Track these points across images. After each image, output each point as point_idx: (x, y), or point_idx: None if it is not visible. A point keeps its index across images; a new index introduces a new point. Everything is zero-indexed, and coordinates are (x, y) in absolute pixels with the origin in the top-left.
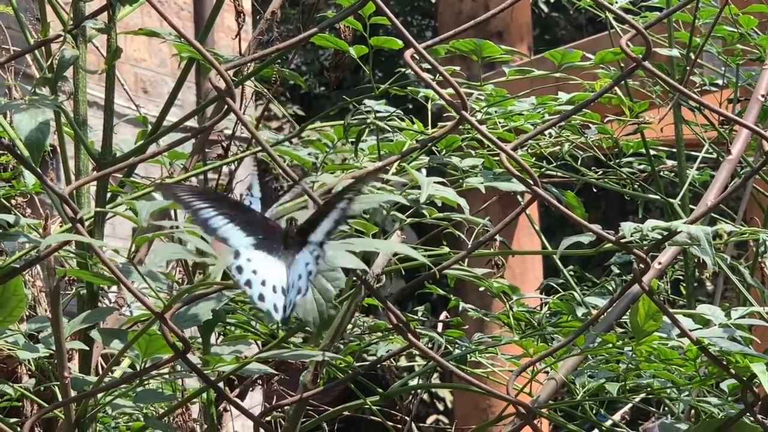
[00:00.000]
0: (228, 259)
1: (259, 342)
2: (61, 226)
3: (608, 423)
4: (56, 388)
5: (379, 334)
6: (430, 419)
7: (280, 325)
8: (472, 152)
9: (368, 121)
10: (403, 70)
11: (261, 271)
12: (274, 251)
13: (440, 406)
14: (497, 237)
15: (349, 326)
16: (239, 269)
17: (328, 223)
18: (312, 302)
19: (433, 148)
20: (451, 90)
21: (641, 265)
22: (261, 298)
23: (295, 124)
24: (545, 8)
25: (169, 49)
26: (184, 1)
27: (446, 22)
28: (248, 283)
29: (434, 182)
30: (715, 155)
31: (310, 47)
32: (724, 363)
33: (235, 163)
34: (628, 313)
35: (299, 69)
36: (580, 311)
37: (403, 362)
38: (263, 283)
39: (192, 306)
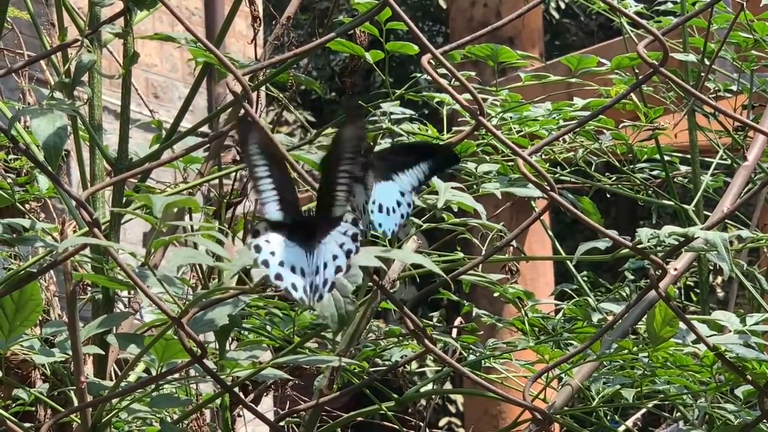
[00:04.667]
0: (243, 261)
1: (272, 347)
2: (75, 231)
3: (621, 429)
4: (71, 392)
5: (394, 339)
6: (443, 421)
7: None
8: (487, 158)
9: (384, 126)
10: (417, 75)
11: (279, 253)
12: (294, 235)
13: (452, 409)
14: (513, 243)
15: (365, 331)
16: (257, 248)
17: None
18: (329, 298)
19: None
20: (467, 95)
21: (658, 271)
22: (278, 277)
23: (310, 129)
24: (556, 14)
25: (180, 54)
26: (195, 6)
27: (458, 28)
28: (265, 262)
29: (451, 188)
30: (729, 161)
31: (321, 52)
32: (741, 369)
33: None
34: (643, 319)
35: (310, 74)
36: (595, 317)
37: (414, 366)
38: (281, 264)
39: (208, 311)
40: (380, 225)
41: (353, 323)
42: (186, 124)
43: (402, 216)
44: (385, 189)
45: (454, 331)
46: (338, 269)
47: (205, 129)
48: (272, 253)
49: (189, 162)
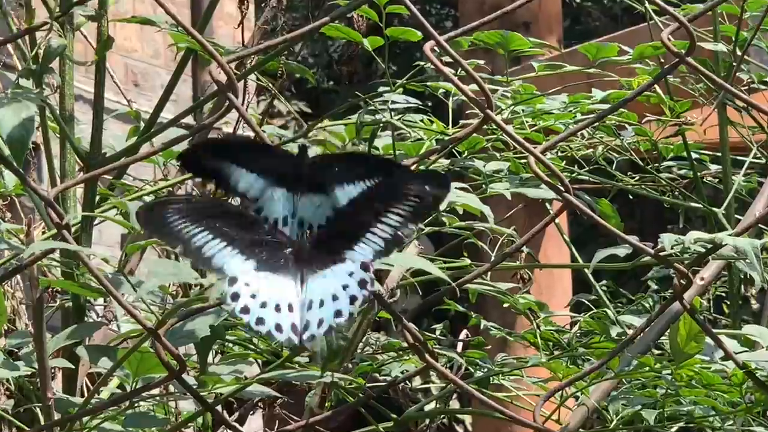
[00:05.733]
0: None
1: (260, 361)
2: (44, 232)
3: None
4: (38, 409)
5: (393, 353)
6: None
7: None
8: (497, 155)
9: (383, 120)
10: (421, 63)
11: (261, 294)
12: (280, 266)
13: (460, 429)
14: (524, 248)
15: (360, 344)
16: (235, 296)
17: (376, 235)
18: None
19: (454, 149)
20: (474, 86)
21: (682, 281)
22: (259, 321)
23: (303, 122)
24: None
25: (163, 39)
26: None
27: (468, 12)
28: (245, 310)
29: (456, 188)
30: (763, 160)
31: (318, 38)
32: None
33: None
34: (666, 334)
35: (306, 62)
36: (614, 331)
37: (417, 383)
38: (264, 305)
39: (188, 321)
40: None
41: (347, 336)
42: (168, 114)
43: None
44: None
45: (460, 345)
46: (338, 314)
47: (188, 120)
48: (253, 296)
49: (170, 157)
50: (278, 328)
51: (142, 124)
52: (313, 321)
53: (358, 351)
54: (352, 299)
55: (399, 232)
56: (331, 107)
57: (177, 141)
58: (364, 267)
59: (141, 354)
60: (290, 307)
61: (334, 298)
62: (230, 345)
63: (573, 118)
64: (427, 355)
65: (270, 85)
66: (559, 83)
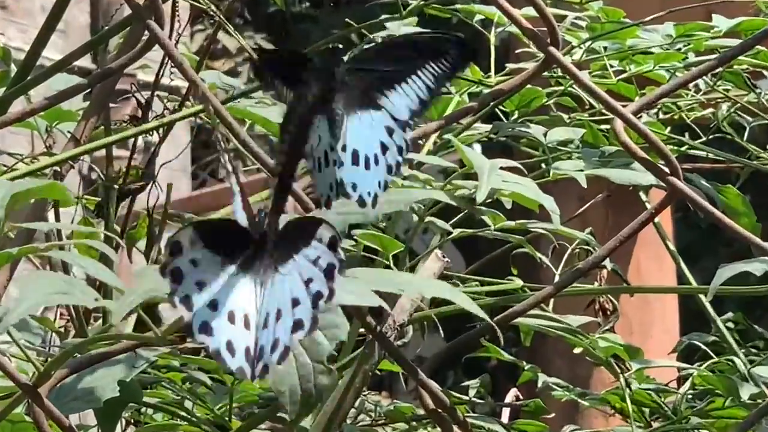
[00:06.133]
0: (145, 291)
1: None
2: None
3: None
4: None
5: (403, 425)
6: None
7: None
8: (564, 117)
9: None
10: None
11: (210, 286)
12: (238, 256)
13: None
14: (606, 263)
15: (352, 410)
16: (177, 273)
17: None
18: (289, 362)
19: (498, 109)
20: (531, 9)
21: None
22: (205, 328)
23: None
24: None
25: None
26: None
27: None
28: (186, 300)
29: (500, 168)
30: None
31: None
32: None
33: (161, 130)
34: None
35: None
36: (745, 391)
37: None
38: (213, 306)
39: (86, 374)
40: (354, 187)
41: (332, 398)
42: (53, 53)
43: (391, 169)
44: (362, 124)
45: (506, 413)
46: (297, 326)
47: (85, 62)
48: (199, 285)
49: (56, 119)
50: (230, 348)
51: (13, 68)
52: (267, 344)
53: (349, 421)
54: (317, 298)
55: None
56: (306, 43)
57: (68, 94)
58: (332, 244)
59: (12, 424)
60: (246, 321)
61: (294, 303)
62: (149, 411)
63: (683, 61)
64: (456, 429)
65: (212, 7)
66: (660, 6)
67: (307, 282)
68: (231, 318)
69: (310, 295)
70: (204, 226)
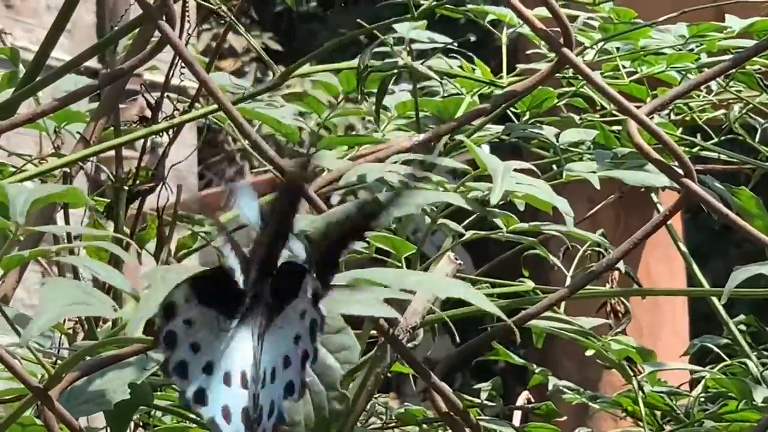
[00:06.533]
0: (155, 297)
1: None
2: None
3: None
4: None
5: (413, 428)
6: None
7: None
8: (575, 118)
9: (399, 64)
10: None
11: (205, 347)
12: (237, 312)
13: None
14: (620, 265)
15: (363, 413)
16: (171, 339)
17: (331, 255)
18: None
19: (509, 110)
20: (542, 10)
21: None
22: (200, 397)
23: (273, 66)
24: None
25: None
26: None
27: None
28: (182, 367)
29: (515, 170)
30: None
31: None
32: None
33: (171, 131)
34: None
35: None
36: (759, 394)
37: None
38: (208, 368)
39: (96, 377)
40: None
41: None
42: (59, 52)
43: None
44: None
45: (518, 415)
46: (288, 390)
47: (91, 62)
48: (193, 347)
49: (65, 120)
50: (225, 413)
51: (22, 69)
52: (266, 406)
53: (360, 423)
54: (304, 358)
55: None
56: (313, 43)
57: (79, 95)
58: (315, 295)
59: (23, 428)
60: (244, 380)
61: (286, 363)
62: (159, 414)
63: (695, 62)
64: (468, 431)
65: (222, 6)
66: (672, 7)
67: (296, 339)
68: (227, 380)
69: (298, 355)
70: (198, 281)
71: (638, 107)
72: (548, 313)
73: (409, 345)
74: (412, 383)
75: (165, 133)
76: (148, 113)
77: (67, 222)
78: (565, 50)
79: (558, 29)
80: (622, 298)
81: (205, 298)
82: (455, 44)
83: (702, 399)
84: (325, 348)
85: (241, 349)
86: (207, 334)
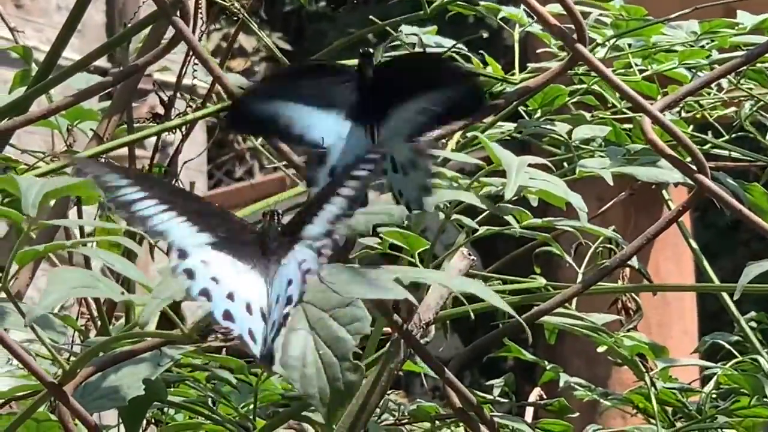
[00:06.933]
0: (168, 288)
1: None
2: None
3: None
4: None
5: (425, 424)
6: None
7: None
8: (585, 115)
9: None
10: None
11: (225, 281)
12: (246, 256)
13: None
14: (633, 260)
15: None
16: (190, 272)
17: (336, 205)
18: (314, 363)
19: (520, 108)
20: (555, 6)
21: None
22: (228, 316)
23: (284, 61)
24: None
25: None
26: None
27: None
28: (205, 292)
29: (529, 165)
30: None
31: None
32: None
33: (183, 128)
34: None
35: None
36: None
37: None
38: (231, 297)
39: (110, 373)
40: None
41: (357, 397)
42: (68, 51)
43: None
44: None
45: (530, 412)
46: (289, 301)
47: (102, 62)
48: (215, 280)
49: (77, 118)
50: (251, 335)
51: (34, 68)
52: (277, 323)
53: (374, 418)
54: (305, 273)
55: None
56: (322, 42)
57: (92, 92)
58: (328, 233)
59: (37, 423)
60: (263, 314)
61: (289, 283)
62: (172, 411)
63: (707, 58)
64: (483, 428)
65: (235, 4)
66: (681, 5)
67: (301, 263)
68: (248, 309)
69: (301, 272)
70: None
71: (650, 104)
72: (560, 310)
73: (422, 341)
74: (424, 381)
75: (178, 130)
76: (161, 111)
77: (80, 218)
78: (579, 46)
79: (570, 26)
80: (633, 295)
81: (216, 245)
82: (463, 46)
83: (713, 396)
84: (336, 321)
85: (256, 288)
86: (224, 272)
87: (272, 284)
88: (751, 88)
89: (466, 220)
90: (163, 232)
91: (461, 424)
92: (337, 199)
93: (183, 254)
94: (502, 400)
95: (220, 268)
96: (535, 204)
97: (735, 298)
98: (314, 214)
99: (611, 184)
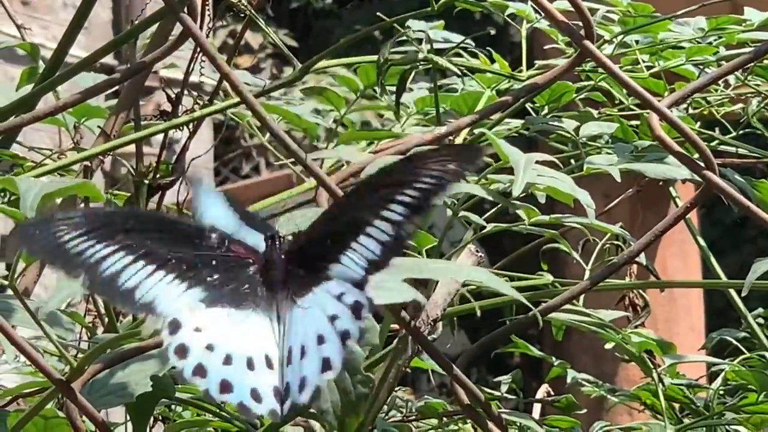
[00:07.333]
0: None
1: None
2: None
3: None
4: None
5: (432, 420)
6: None
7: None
8: (593, 112)
9: (420, 58)
10: None
11: (222, 344)
12: (245, 298)
13: None
14: (641, 257)
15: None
16: (183, 350)
17: (371, 238)
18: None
19: (527, 105)
20: (562, 3)
21: None
22: (225, 387)
23: (296, 62)
24: None
25: None
26: None
27: None
28: (199, 370)
29: (537, 162)
30: None
31: None
32: None
33: (191, 125)
34: None
35: None
36: None
37: None
38: (228, 360)
39: (118, 369)
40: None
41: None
42: (74, 49)
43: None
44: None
45: (537, 408)
46: (326, 365)
47: (109, 60)
48: (210, 348)
49: (84, 115)
50: (255, 395)
51: (41, 65)
52: (294, 382)
53: (382, 414)
54: (344, 337)
55: (402, 230)
56: (329, 40)
57: (100, 89)
58: (358, 284)
59: (45, 420)
60: (268, 361)
61: (320, 340)
62: (179, 409)
63: (714, 54)
64: (491, 425)
65: (242, 0)
66: (689, 1)
67: (332, 318)
68: (250, 364)
69: (338, 333)
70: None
71: (658, 101)
72: (568, 306)
73: (430, 338)
74: (431, 377)
75: (185, 127)
76: (168, 108)
77: None
78: (587, 43)
79: (577, 23)
80: (641, 292)
81: (210, 300)
82: (471, 42)
83: (721, 392)
84: None
85: (261, 332)
86: (220, 330)
87: (285, 324)
88: (758, 85)
89: (474, 217)
90: (150, 303)
91: (469, 420)
92: (374, 229)
93: (175, 327)
94: (510, 396)
95: (216, 330)
96: (542, 201)
97: (743, 294)
98: (339, 251)
99: (619, 180)
